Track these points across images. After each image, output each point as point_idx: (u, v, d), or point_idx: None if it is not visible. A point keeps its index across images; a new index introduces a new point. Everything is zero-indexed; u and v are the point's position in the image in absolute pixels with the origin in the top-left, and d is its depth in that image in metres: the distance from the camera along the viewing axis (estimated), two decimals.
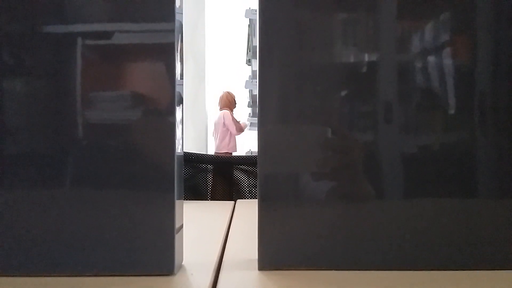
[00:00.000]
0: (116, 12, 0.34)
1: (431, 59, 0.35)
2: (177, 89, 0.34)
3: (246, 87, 3.79)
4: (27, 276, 0.33)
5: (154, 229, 0.33)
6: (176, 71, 0.34)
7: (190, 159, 0.86)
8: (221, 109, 3.91)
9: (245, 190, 0.88)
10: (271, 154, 0.35)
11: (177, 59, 0.34)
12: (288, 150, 0.35)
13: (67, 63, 0.34)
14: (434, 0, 0.35)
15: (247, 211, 0.66)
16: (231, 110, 3.90)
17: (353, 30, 0.35)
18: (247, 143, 4.39)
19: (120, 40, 0.34)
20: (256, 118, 0.35)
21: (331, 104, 0.35)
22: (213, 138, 4.01)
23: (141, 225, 0.33)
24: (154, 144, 0.34)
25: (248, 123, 3.93)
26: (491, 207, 0.35)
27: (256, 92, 0.56)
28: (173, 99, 0.34)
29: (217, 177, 0.88)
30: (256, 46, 0.36)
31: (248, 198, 0.87)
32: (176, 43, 0.34)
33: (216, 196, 0.87)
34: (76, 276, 0.33)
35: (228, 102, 3.89)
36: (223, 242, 0.44)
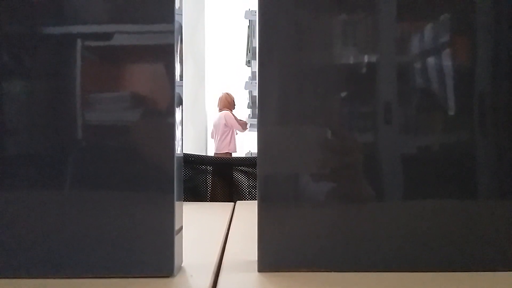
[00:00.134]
0: (116, 13, 0.34)
1: (431, 59, 0.35)
2: (177, 90, 0.34)
3: (245, 88, 3.79)
4: (26, 277, 0.33)
5: (153, 231, 0.33)
6: (176, 72, 0.34)
7: (190, 160, 0.86)
8: (220, 110, 3.90)
9: (244, 191, 0.88)
10: (270, 155, 0.35)
11: (177, 60, 0.34)
12: (287, 151, 0.35)
13: (67, 64, 0.34)
14: (434, 1, 0.35)
15: (247, 212, 0.65)
16: (231, 111, 3.90)
17: (352, 31, 0.35)
18: (246, 144, 4.39)
19: (119, 41, 0.34)
20: (256, 119, 0.35)
21: (331, 105, 0.35)
22: (212, 139, 4.01)
23: (141, 226, 0.33)
24: (153, 145, 0.34)
25: (248, 121, 3.93)
26: (491, 208, 0.35)
27: (255, 93, 0.56)
28: (172, 100, 0.34)
29: (216, 178, 0.87)
30: (255, 47, 0.36)
31: (247, 199, 0.87)
32: (175, 44, 0.34)
33: (215, 197, 0.87)
34: (75, 277, 0.33)
35: (228, 103, 3.89)
36: (223, 243, 0.44)
